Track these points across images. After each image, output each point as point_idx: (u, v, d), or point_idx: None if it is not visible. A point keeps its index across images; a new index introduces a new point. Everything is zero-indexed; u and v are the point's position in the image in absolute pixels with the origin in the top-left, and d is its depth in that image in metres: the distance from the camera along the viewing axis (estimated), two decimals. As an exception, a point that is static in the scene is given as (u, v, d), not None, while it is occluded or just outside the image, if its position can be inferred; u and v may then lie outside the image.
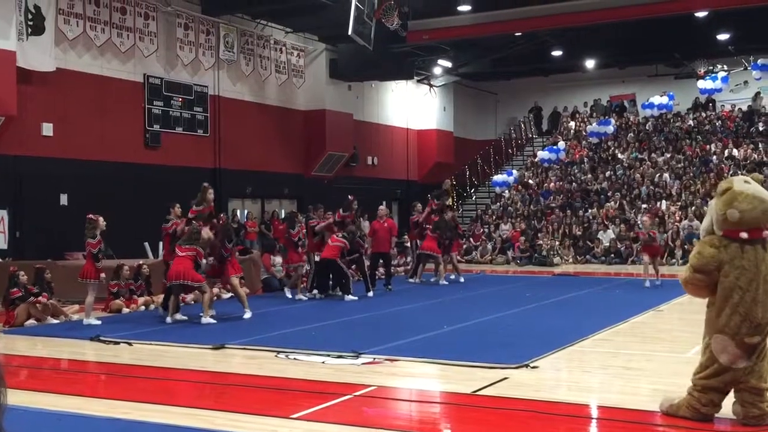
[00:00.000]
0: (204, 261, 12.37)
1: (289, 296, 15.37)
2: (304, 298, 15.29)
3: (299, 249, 15.50)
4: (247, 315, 12.35)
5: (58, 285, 13.10)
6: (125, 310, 13.54)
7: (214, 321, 11.93)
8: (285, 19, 23.37)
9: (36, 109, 17.25)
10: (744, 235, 5.61)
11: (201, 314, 11.98)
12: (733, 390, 5.74)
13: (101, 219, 12.06)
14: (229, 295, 14.23)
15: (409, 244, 24.60)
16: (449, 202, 19.61)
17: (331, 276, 15.58)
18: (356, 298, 15.00)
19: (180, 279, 11.88)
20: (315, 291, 15.61)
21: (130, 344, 10.11)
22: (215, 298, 13.57)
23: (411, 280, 18.51)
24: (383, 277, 17.21)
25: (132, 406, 6.85)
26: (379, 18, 20.29)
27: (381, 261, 17.26)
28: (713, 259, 5.69)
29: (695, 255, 5.85)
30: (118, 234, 13.81)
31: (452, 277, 18.60)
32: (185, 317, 12.19)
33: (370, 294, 15.62)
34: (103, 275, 12.20)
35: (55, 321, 12.30)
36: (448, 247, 18.35)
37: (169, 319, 12.07)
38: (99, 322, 11.85)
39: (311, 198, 23.08)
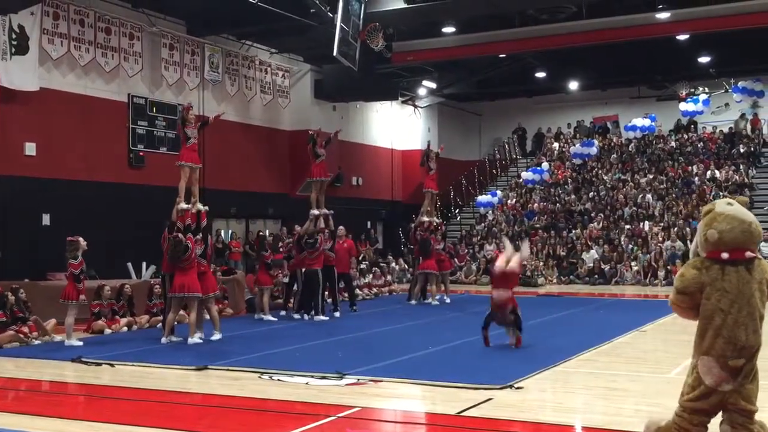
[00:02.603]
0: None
1: (270, 318, 15.32)
2: (273, 318, 15.22)
3: (271, 270, 15.73)
4: (216, 337, 12.25)
5: (39, 306, 12.98)
6: (107, 331, 13.43)
7: (201, 341, 11.90)
8: (270, 39, 23.45)
9: (19, 129, 17.17)
10: (725, 255, 5.61)
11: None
12: (721, 411, 5.73)
13: (82, 239, 12.00)
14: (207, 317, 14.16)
15: (395, 265, 24.75)
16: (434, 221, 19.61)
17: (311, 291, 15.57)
18: (327, 318, 15.05)
19: (190, 292, 11.90)
20: (297, 314, 15.62)
21: (112, 365, 10.01)
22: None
23: (412, 302, 18.37)
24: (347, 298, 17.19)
25: (114, 428, 6.79)
26: (364, 39, 20.39)
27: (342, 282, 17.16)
28: (694, 281, 5.70)
29: (678, 277, 5.87)
30: (101, 254, 13.77)
31: (438, 297, 18.60)
32: (179, 338, 12.11)
33: (337, 314, 15.67)
34: (83, 296, 12.11)
35: (37, 342, 12.19)
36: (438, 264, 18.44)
37: (164, 339, 12.01)
38: (81, 343, 11.74)
39: (296, 218, 23.07)
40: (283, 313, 15.93)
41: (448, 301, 18.49)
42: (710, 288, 5.62)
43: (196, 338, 11.91)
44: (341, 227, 17.23)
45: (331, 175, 16.96)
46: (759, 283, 5.66)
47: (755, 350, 5.64)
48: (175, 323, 12.48)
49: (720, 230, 5.60)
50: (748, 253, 5.65)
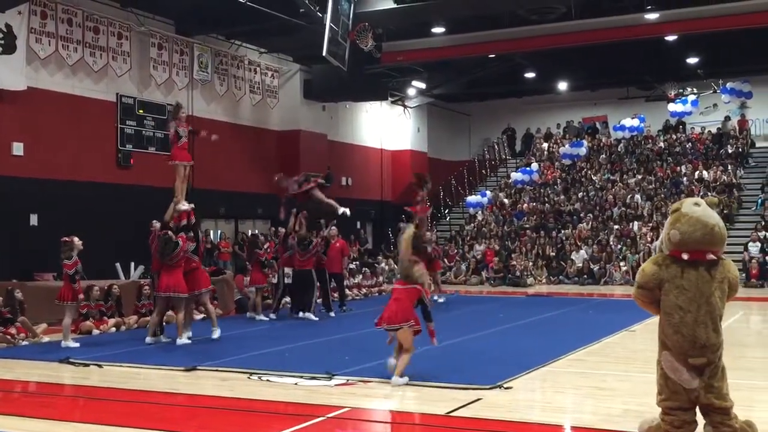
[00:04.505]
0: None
1: (263, 318, 15.33)
2: (265, 318, 15.31)
3: (265, 269, 15.81)
4: (216, 334, 12.25)
5: (28, 306, 12.91)
6: (95, 332, 13.36)
7: (189, 341, 11.84)
8: (259, 39, 23.40)
9: (6, 128, 17.08)
10: (685, 256, 5.72)
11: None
12: (701, 414, 5.77)
13: (77, 239, 11.95)
14: (202, 315, 14.11)
15: (385, 265, 24.71)
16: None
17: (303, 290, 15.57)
18: (317, 318, 15.04)
19: (173, 292, 11.85)
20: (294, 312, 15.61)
21: (100, 366, 9.97)
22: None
23: None
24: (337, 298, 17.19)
25: (103, 429, 6.76)
26: (354, 39, 20.38)
27: (333, 282, 17.17)
28: (653, 277, 5.81)
29: (639, 271, 6.00)
30: (90, 254, 13.66)
31: (434, 297, 18.71)
32: (168, 339, 12.06)
33: (332, 314, 15.70)
34: (81, 296, 12.05)
35: (25, 343, 12.12)
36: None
37: (148, 339, 11.98)
38: (77, 345, 11.60)
39: (285, 218, 23.03)
40: (272, 316, 15.88)
41: (441, 300, 18.54)
42: (669, 284, 5.72)
43: (184, 338, 11.86)
44: (333, 227, 17.23)
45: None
46: (720, 282, 5.74)
47: (717, 348, 5.70)
48: (165, 323, 12.44)
49: (682, 231, 5.71)
50: (710, 256, 5.72)
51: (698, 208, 5.80)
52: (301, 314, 15.06)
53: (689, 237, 5.69)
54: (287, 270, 15.50)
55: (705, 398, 5.66)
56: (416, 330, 8.55)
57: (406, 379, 8.37)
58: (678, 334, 5.66)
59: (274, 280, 16.65)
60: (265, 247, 16.60)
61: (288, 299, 16.23)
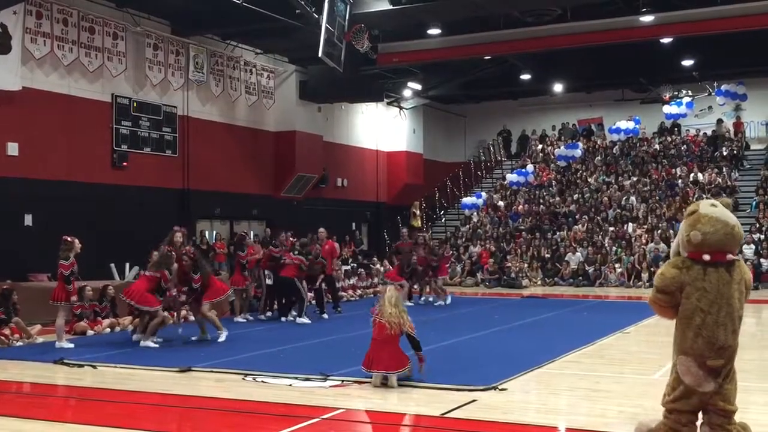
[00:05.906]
0: (170, 289, 12.25)
1: (243, 320, 15.30)
2: (242, 320, 15.28)
3: (245, 272, 15.85)
4: (222, 337, 12.22)
5: (22, 307, 12.88)
6: (90, 332, 13.34)
7: (156, 345, 11.72)
8: (255, 40, 23.39)
9: (1, 129, 17.04)
10: (706, 257, 5.67)
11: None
12: (702, 413, 5.76)
13: (77, 241, 11.93)
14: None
15: (380, 266, 24.70)
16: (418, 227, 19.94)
17: (286, 297, 15.56)
18: (309, 321, 14.87)
19: (131, 299, 11.82)
20: (269, 314, 15.61)
21: (94, 367, 9.95)
22: (183, 320, 13.40)
23: None
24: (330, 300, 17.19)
25: (96, 430, 6.74)
26: (350, 40, 20.37)
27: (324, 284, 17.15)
28: (674, 280, 5.75)
29: (658, 275, 5.92)
30: (84, 255, 13.67)
31: (431, 299, 18.84)
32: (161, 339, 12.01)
33: (325, 316, 15.67)
34: (74, 298, 12.03)
35: (19, 344, 12.09)
36: (434, 270, 18.86)
37: (135, 337, 11.97)
38: (72, 346, 11.59)
39: (281, 219, 23.07)
40: (265, 316, 15.82)
41: (441, 303, 18.62)
42: (690, 287, 5.66)
43: (148, 341, 11.74)
44: (322, 229, 17.17)
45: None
46: (738, 284, 5.71)
47: (733, 351, 5.69)
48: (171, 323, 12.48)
49: (704, 232, 5.64)
50: (729, 256, 5.70)
51: (716, 209, 5.77)
52: (299, 320, 14.99)
53: (711, 237, 5.64)
54: (267, 272, 15.59)
55: (713, 400, 5.64)
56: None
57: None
58: (699, 336, 5.61)
59: (269, 281, 16.59)
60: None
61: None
